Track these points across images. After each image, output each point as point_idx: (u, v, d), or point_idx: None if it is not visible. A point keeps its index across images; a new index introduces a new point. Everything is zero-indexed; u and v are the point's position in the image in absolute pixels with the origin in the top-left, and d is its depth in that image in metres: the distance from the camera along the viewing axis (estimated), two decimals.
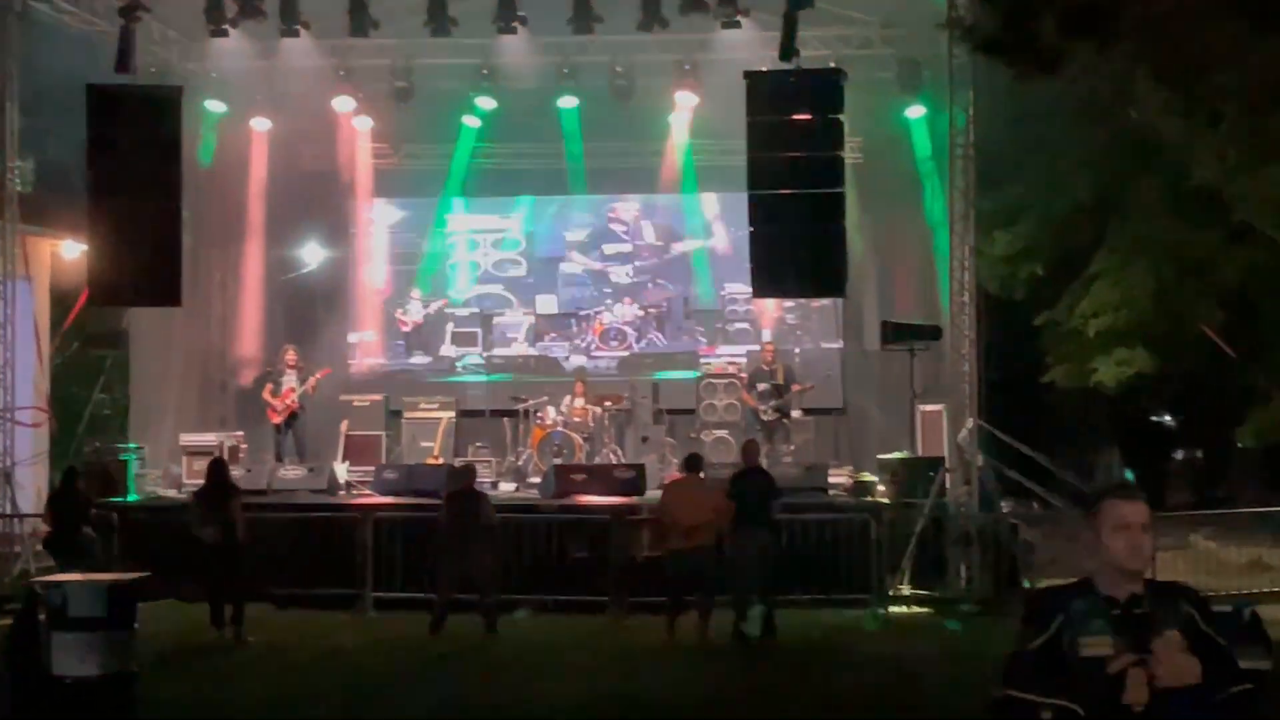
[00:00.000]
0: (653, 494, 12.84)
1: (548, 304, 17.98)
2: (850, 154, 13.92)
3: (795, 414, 15.26)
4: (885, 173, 16.25)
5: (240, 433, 15.40)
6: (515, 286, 18.05)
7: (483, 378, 17.49)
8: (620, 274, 17.98)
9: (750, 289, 14.13)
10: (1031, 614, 3.31)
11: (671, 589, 10.54)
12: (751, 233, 12.75)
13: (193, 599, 11.07)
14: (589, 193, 17.60)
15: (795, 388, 14.68)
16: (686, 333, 17.87)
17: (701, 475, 10.91)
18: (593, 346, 17.76)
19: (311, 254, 17.73)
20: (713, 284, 17.75)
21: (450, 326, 17.93)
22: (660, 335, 17.84)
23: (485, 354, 17.74)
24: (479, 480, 12.69)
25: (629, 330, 17.72)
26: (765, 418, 14.52)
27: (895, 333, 13.98)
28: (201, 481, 11.25)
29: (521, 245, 18.18)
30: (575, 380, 15.75)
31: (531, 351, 17.73)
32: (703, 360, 17.12)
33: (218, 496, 10.74)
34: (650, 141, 16.66)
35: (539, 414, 15.32)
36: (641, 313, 17.81)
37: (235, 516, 10.64)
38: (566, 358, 17.70)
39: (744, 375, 15.43)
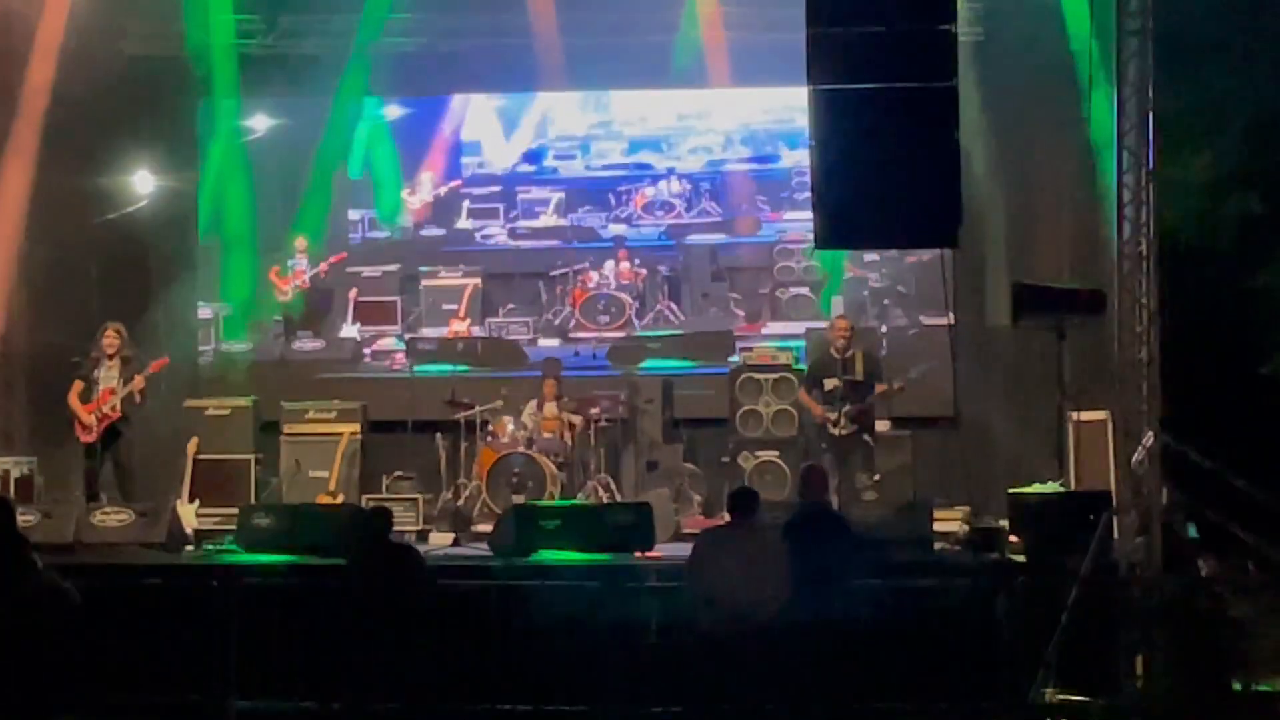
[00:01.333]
0: (665, 549, 12.88)
1: (502, 260, 18.00)
2: (967, 29, 13.84)
3: (882, 426, 15.30)
4: (1020, 59, 16.25)
5: (33, 458, 15.44)
6: (454, 233, 18.10)
7: (404, 372, 17.48)
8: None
9: (812, 235, 14.15)
10: None
11: (700, 693, 10.57)
12: (813, 148, 12.75)
13: None
14: (567, 88, 17.61)
15: (881, 388, 14.70)
16: (714, 302, 17.89)
17: (754, 521, 10.93)
18: (570, 323, 17.78)
19: (142, 184, 17.71)
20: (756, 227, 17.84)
21: (353, 294, 17.98)
22: (674, 306, 17.86)
23: (408, 335, 17.78)
24: (398, 529, 12.70)
25: (626, 298, 17.72)
26: (836, 432, 14.53)
27: (1034, 301, 13.95)
28: None
29: (464, 169, 18.23)
30: (545, 375, 15.81)
31: (477, 331, 17.76)
32: (740, 344, 17.18)
33: None
34: (659, 12, 16.70)
35: (491, 427, 15.39)
36: (645, 271, 17.82)
37: (28, 585, 10.67)
38: (531, 340, 17.74)
39: (804, 367, 15.48)
